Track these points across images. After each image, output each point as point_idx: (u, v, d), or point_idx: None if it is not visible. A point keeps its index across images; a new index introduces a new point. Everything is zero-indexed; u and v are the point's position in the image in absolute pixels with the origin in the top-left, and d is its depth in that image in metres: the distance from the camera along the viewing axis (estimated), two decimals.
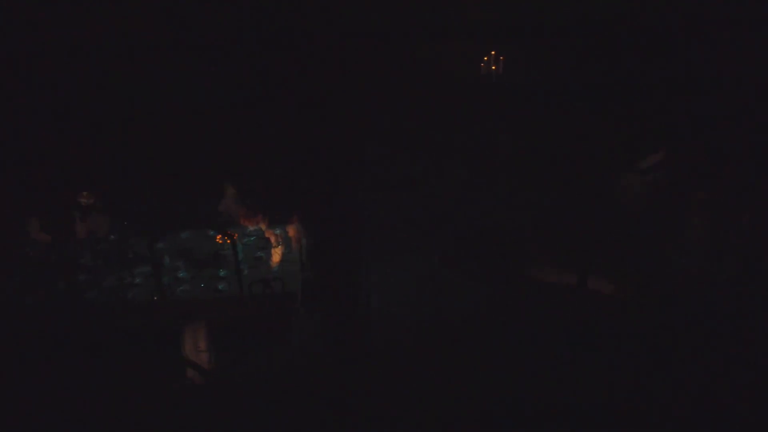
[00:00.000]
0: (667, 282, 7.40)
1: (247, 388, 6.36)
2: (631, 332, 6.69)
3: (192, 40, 7.32)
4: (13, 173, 7.06)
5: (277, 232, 7.86)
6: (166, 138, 7.72)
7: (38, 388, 6.02)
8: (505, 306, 7.49)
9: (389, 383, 6.32)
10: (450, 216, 8.33)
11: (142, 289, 6.94)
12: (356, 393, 6.12)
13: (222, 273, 7.12)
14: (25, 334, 6.55)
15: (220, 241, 7.50)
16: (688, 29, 6.95)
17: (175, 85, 7.64)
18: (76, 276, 7.08)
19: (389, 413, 5.94)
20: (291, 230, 7.87)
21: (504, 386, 6.20)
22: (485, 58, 9.30)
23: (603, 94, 7.95)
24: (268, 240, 7.71)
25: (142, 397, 6.20)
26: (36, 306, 6.68)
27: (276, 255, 7.47)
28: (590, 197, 7.83)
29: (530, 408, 5.89)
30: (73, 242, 7.54)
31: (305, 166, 8.07)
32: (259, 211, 8.06)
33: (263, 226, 7.99)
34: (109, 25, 7.02)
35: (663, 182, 7.64)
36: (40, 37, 6.84)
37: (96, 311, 6.72)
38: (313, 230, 7.63)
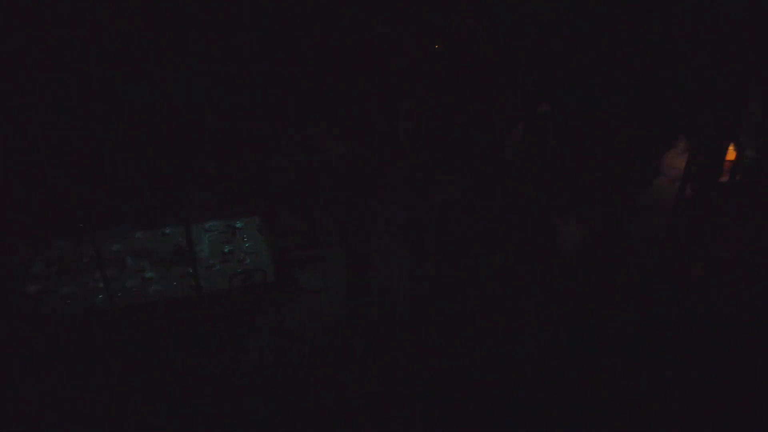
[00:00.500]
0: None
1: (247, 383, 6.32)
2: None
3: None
4: None
5: (238, 225, 7.79)
6: (122, 135, 7.34)
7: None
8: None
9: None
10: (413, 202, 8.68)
11: (107, 292, 6.59)
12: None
13: (191, 270, 6.95)
14: None
15: None
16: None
17: (134, 83, 7.29)
18: (27, 286, 6.56)
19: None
20: (255, 222, 7.84)
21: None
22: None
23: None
24: (232, 234, 7.62)
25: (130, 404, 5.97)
26: None
27: (243, 248, 7.42)
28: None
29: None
30: (18, 250, 6.97)
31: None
32: (220, 205, 7.93)
33: (222, 221, 7.87)
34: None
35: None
36: None
37: (61, 319, 6.30)
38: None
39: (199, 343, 6.63)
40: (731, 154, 7.84)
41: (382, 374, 6.26)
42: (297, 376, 6.22)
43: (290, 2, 7.22)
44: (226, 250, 7.25)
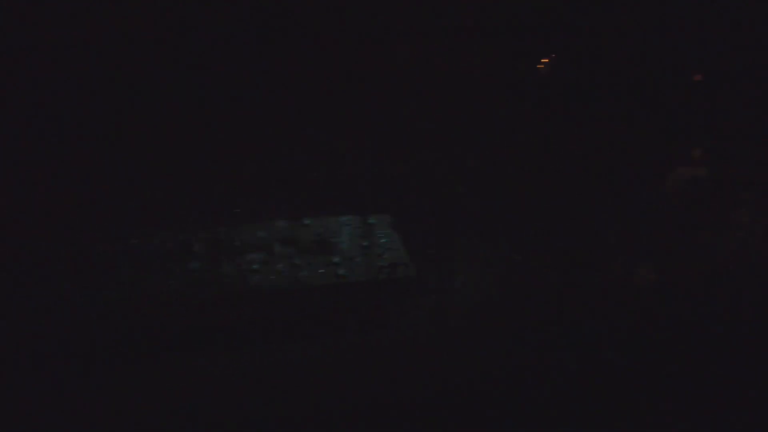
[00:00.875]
0: None
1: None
2: None
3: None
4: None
5: (371, 221, 8.14)
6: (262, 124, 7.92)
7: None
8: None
9: None
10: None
11: (262, 276, 7.05)
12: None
13: (336, 260, 7.34)
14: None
15: None
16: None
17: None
18: (189, 263, 7.10)
19: None
20: (387, 219, 8.19)
21: None
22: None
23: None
24: (367, 229, 7.98)
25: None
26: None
27: (379, 243, 7.76)
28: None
29: None
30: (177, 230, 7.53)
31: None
32: (352, 200, 8.33)
33: (355, 216, 8.24)
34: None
35: None
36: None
37: (219, 296, 6.79)
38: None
39: (337, 329, 6.98)
40: None
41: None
42: (417, 366, 6.48)
43: None
44: (364, 244, 7.59)
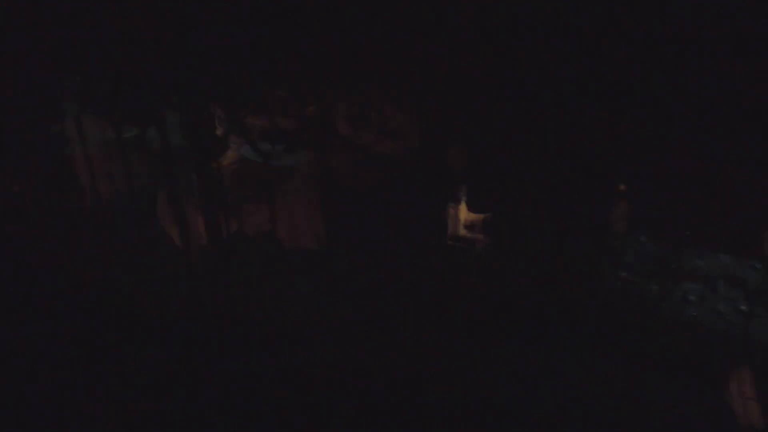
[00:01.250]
0: None
1: None
2: None
3: None
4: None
5: None
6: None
7: None
8: None
9: None
10: None
11: (698, 309, 6.36)
12: None
13: None
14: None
15: None
16: None
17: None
18: (616, 273, 6.87)
19: None
20: None
21: None
22: None
23: None
24: None
25: None
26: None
27: None
28: None
29: None
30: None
31: None
32: None
33: None
34: None
35: None
36: None
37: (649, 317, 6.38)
38: None
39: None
40: None
41: None
42: None
43: None
44: None
